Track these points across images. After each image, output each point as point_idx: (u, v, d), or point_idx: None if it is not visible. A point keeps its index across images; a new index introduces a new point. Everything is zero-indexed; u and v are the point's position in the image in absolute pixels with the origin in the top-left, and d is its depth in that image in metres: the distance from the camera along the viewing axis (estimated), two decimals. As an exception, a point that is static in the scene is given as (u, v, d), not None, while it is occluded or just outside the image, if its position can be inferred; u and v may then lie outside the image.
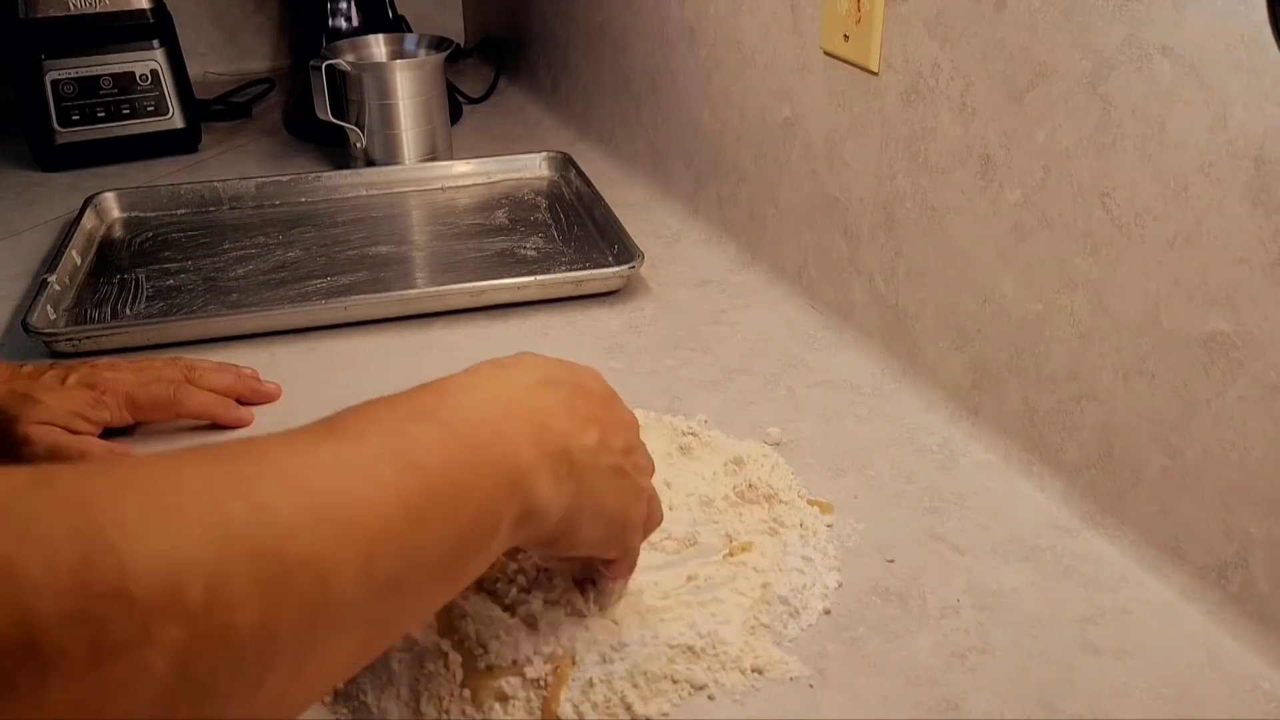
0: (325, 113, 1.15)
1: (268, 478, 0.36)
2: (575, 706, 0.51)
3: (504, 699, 0.51)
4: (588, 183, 1.10)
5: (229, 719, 0.33)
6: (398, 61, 1.19)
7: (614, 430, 0.49)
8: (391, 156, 1.19)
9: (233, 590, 0.32)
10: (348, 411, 0.42)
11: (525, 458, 0.44)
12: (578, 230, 1.05)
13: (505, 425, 0.44)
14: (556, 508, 0.45)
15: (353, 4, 1.38)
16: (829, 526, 0.64)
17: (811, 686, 0.54)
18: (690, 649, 0.54)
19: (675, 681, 0.53)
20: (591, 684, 0.52)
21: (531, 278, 0.91)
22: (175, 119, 1.25)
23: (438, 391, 0.46)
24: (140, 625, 0.30)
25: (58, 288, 0.90)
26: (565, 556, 0.53)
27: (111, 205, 1.08)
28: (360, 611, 0.36)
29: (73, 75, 1.20)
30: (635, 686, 0.52)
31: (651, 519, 0.54)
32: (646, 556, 0.59)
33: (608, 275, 0.93)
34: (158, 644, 0.30)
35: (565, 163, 1.16)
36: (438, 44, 1.23)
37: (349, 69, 1.16)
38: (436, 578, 0.40)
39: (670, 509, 0.64)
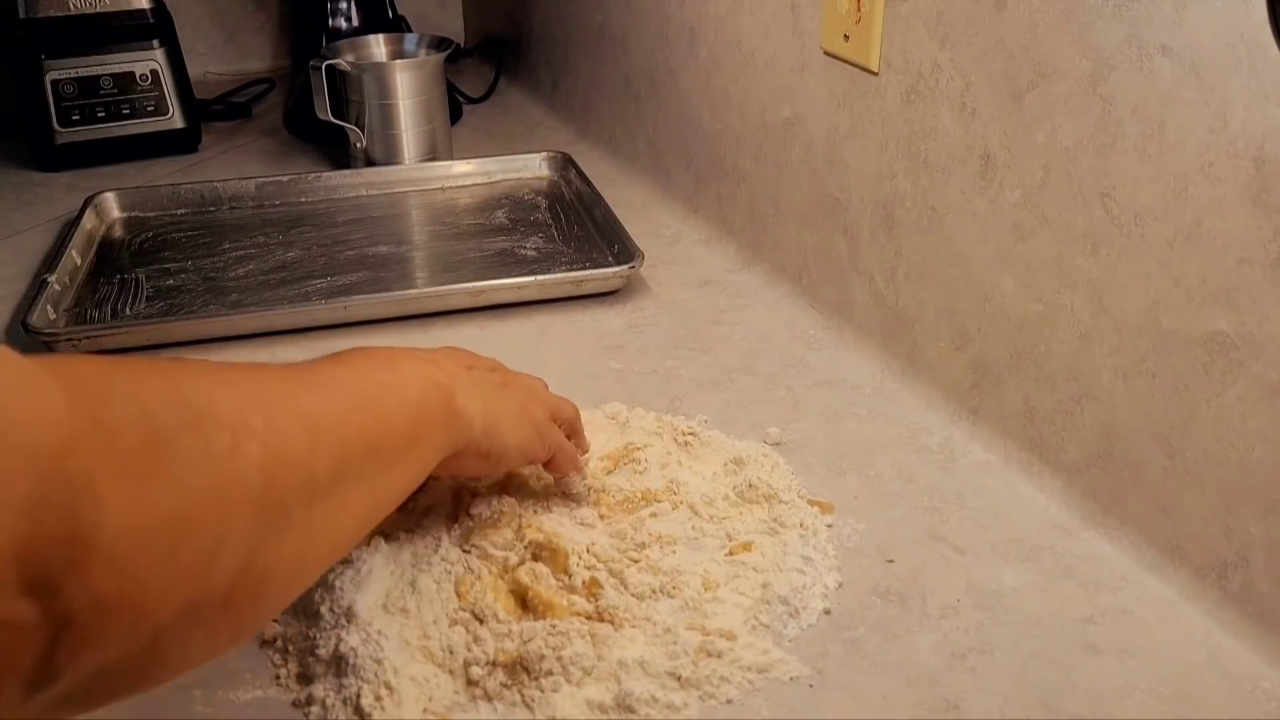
0: (325, 113, 1.15)
1: (273, 370, 0.49)
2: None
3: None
4: (588, 183, 1.10)
5: (290, 549, 0.42)
6: (398, 61, 1.19)
7: (484, 369, 0.62)
8: (391, 156, 1.19)
9: (283, 426, 0.42)
10: (345, 353, 0.55)
11: (434, 374, 0.55)
12: (578, 230, 1.05)
13: (406, 361, 0.56)
14: (475, 411, 0.56)
15: (353, 4, 1.38)
16: (829, 526, 0.64)
17: (811, 686, 0.54)
18: (689, 649, 0.54)
19: (678, 679, 0.53)
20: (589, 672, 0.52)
21: (531, 278, 0.91)
22: (175, 119, 1.25)
23: (389, 352, 0.58)
24: (230, 440, 0.39)
25: (58, 288, 0.90)
26: (503, 469, 0.63)
27: (111, 205, 1.08)
28: (363, 468, 0.47)
29: (73, 75, 1.20)
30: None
31: (560, 411, 0.64)
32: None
33: (608, 275, 0.93)
34: (246, 454, 0.39)
35: (565, 163, 1.16)
36: (438, 44, 1.23)
37: (349, 69, 1.16)
38: (404, 452, 0.51)
39: (674, 509, 0.64)
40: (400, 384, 0.53)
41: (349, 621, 0.54)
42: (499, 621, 0.55)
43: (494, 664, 0.53)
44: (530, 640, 0.53)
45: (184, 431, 0.38)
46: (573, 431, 0.66)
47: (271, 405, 0.43)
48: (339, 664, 0.53)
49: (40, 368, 0.35)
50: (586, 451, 0.68)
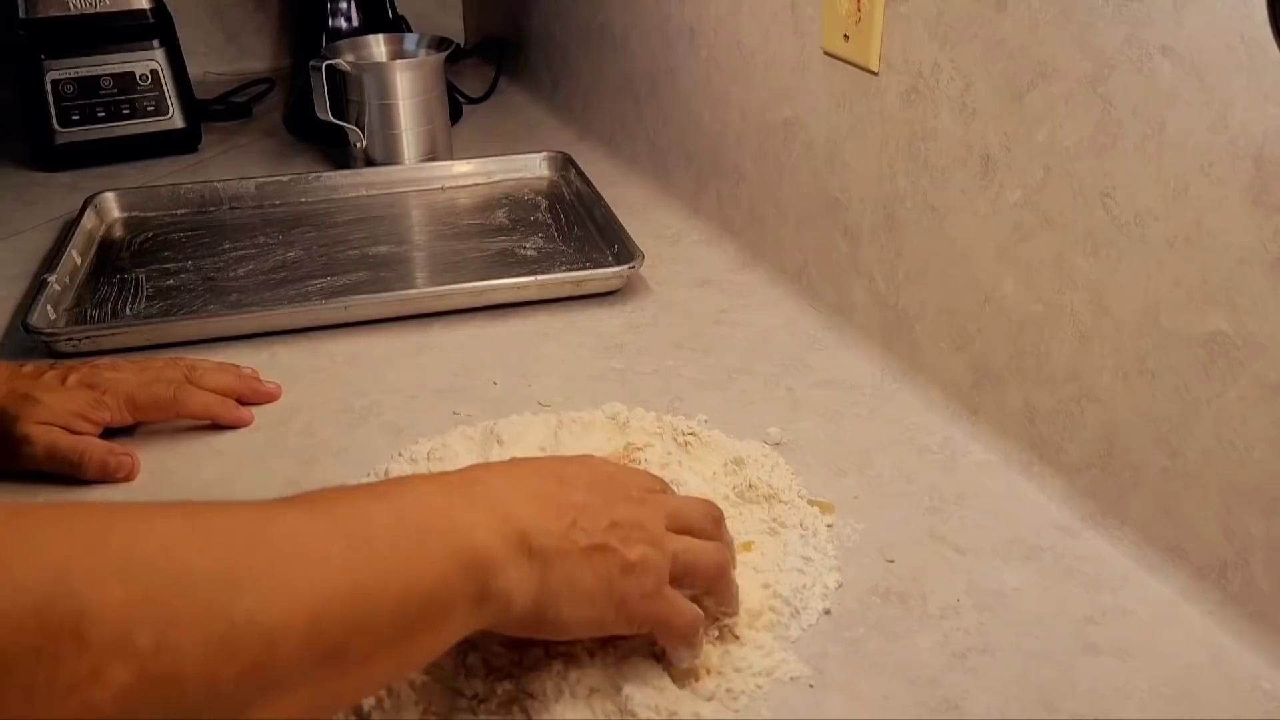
0: (325, 113, 1.15)
1: (229, 540, 0.39)
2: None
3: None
4: (588, 183, 1.10)
5: None
6: (398, 61, 1.19)
7: (593, 514, 0.49)
8: (391, 156, 1.19)
9: (180, 641, 0.34)
10: (316, 491, 0.45)
11: (481, 540, 0.45)
12: (578, 230, 1.05)
13: (461, 510, 0.46)
14: (522, 592, 0.46)
15: (353, 4, 1.38)
16: (829, 526, 0.64)
17: (812, 686, 0.54)
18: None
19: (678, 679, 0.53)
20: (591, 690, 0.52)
21: (531, 278, 0.91)
22: (175, 119, 1.25)
23: (402, 480, 0.49)
24: (91, 665, 0.32)
25: (58, 288, 0.90)
26: (562, 640, 0.52)
27: (111, 205, 1.08)
28: (303, 675, 0.38)
29: (73, 75, 1.20)
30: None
31: (698, 564, 0.52)
32: None
33: (608, 275, 0.93)
34: (106, 684, 0.32)
35: (565, 163, 1.16)
36: (438, 44, 1.23)
37: (349, 69, 1.16)
38: (384, 650, 0.42)
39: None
40: (419, 556, 0.43)
41: None
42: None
43: (493, 680, 0.52)
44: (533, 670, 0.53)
45: (26, 658, 0.31)
46: (712, 588, 0.54)
47: (180, 613, 0.35)
48: None
49: None
50: (732, 614, 0.55)
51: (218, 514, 0.40)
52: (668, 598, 0.50)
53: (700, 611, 0.52)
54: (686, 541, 0.52)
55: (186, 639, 0.35)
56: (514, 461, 0.52)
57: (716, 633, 0.55)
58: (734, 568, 0.56)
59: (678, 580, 0.51)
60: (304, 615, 0.38)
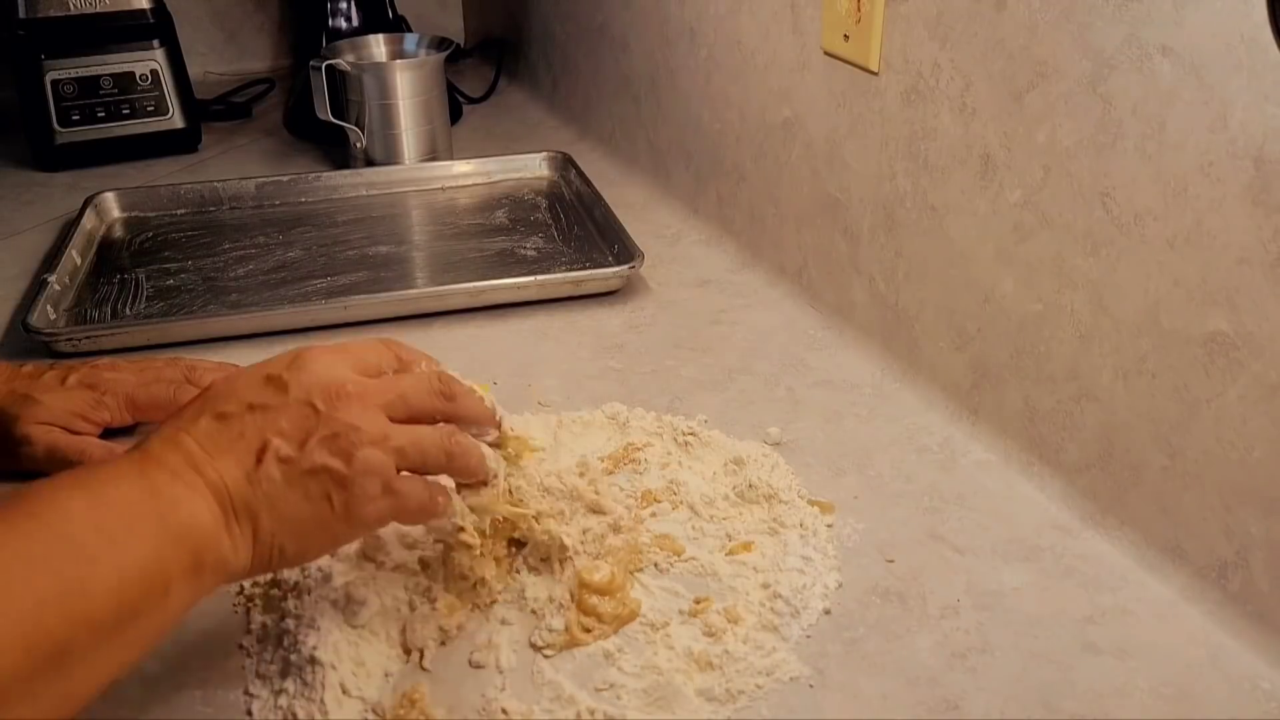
0: (325, 113, 1.15)
1: None
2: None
3: None
4: (588, 183, 1.10)
5: None
6: (398, 61, 1.19)
7: (300, 434, 0.47)
8: (391, 156, 1.19)
9: None
10: (19, 492, 0.43)
11: (186, 511, 0.44)
12: (578, 230, 1.05)
13: (163, 484, 0.44)
14: (238, 551, 0.46)
15: (353, 4, 1.38)
16: (829, 526, 0.64)
17: (811, 686, 0.54)
18: (690, 651, 0.54)
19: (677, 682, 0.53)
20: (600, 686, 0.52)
21: (531, 278, 0.91)
22: (175, 119, 1.25)
23: (103, 465, 0.47)
24: None
25: (58, 288, 0.90)
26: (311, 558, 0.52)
27: (111, 205, 1.08)
28: (27, 685, 0.38)
29: (73, 75, 1.20)
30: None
31: (413, 469, 0.51)
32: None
33: (608, 275, 0.93)
34: None
35: (565, 163, 1.16)
36: (438, 44, 1.23)
37: (349, 69, 1.16)
38: (108, 640, 0.41)
39: (674, 509, 0.64)
40: (128, 540, 0.42)
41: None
42: None
43: None
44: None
45: None
46: (447, 469, 0.53)
47: None
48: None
49: None
50: (483, 482, 0.55)
51: None
52: (397, 490, 0.49)
53: (436, 485, 0.51)
54: (411, 434, 0.50)
55: None
56: (213, 394, 0.49)
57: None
58: (495, 429, 0.55)
59: (413, 470, 0.50)
60: (18, 627, 0.37)
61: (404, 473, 0.50)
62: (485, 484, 0.55)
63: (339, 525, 0.48)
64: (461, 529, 0.55)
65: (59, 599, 0.39)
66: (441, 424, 0.52)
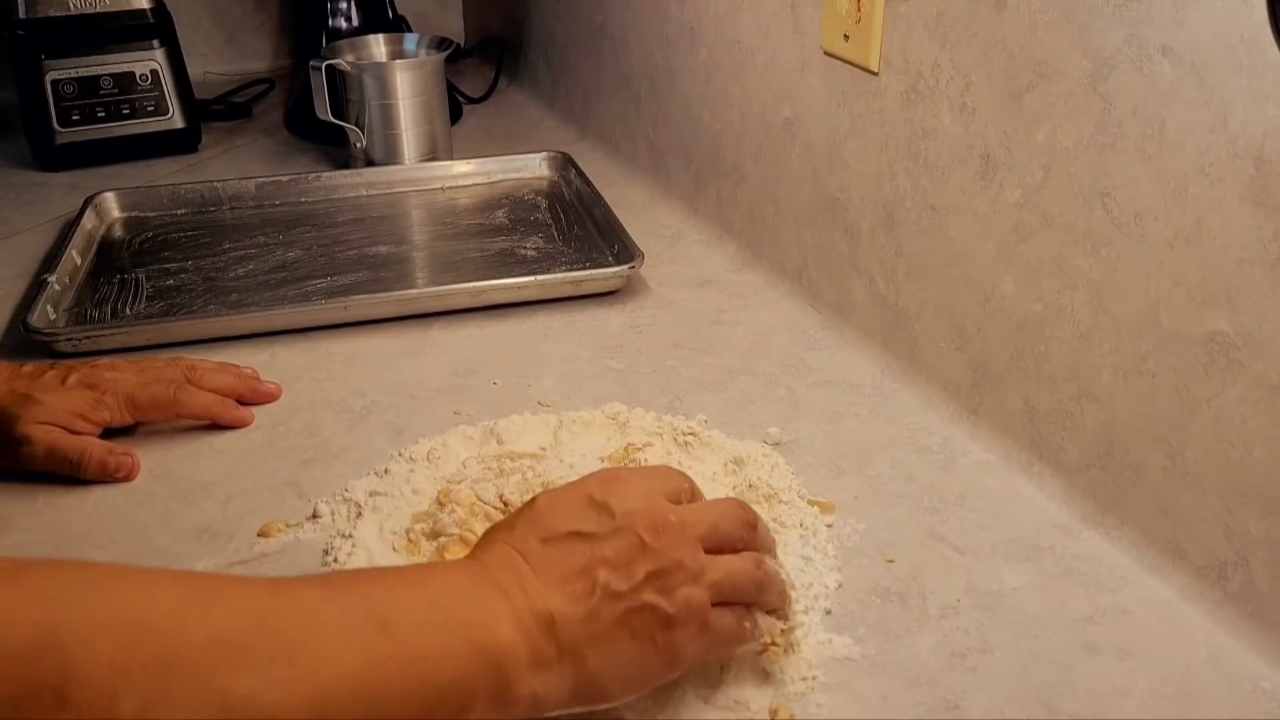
0: (325, 113, 1.15)
1: (235, 612, 0.36)
2: None
3: None
4: (588, 183, 1.10)
5: None
6: (398, 61, 1.19)
7: (627, 568, 0.46)
8: (391, 156, 1.19)
9: (167, 714, 0.33)
10: (346, 571, 0.43)
11: (506, 636, 0.43)
12: (578, 230, 1.05)
13: (488, 600, 0.44)
14: (553, 692, 0.44)
15: (353, 4, 1.38)
16: (829, 526, 0.64)
17: (811, 687, 0.54)
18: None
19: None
20: None
21: (531, 278, 0.91)
22: (175, 119, 1.25)
23: (432, 566, 0.47)
24: None
25: (58, 288, 0.90)
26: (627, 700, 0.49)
27: (111, 205, 1.08)
28: None
29: (73, 75, 1.20)
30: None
31: (731, 609, 0.49)
32: None
33: (608, 275, 0.93)
34: None
35: (565, 163, 1.16)
36: (438, 44, 1.23)
37: (349, 69, 1.16)
38: None
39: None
40: (440, 644, 0.41)
41: None
42: None
43: None
44: None
45: (2, 707, 0.31)
46: (756, 602, 0.51)
47: (171, 683, 0.33)
48: None
49: None
50: (785, 612, 0.53)
51: (227, 585, 0.38)
52: (711, 625, 0.48)
53: (742, 611, 0.50)
54: (725, 567, 0.49)
55: (173, 713, 0.33)
56: (538, 515, 0.48)
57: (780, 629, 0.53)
58: (775, 557, 0.53)
59: (722, 602, 0.49)
60: (307, 697, 0.36)
61: (717, 607, 0.48)
62: (786, 612, 0.53)
63: (658, 664, 0.47)
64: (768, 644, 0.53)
65: (357, 684, 0.38)
66: (748, 553, 0.51)
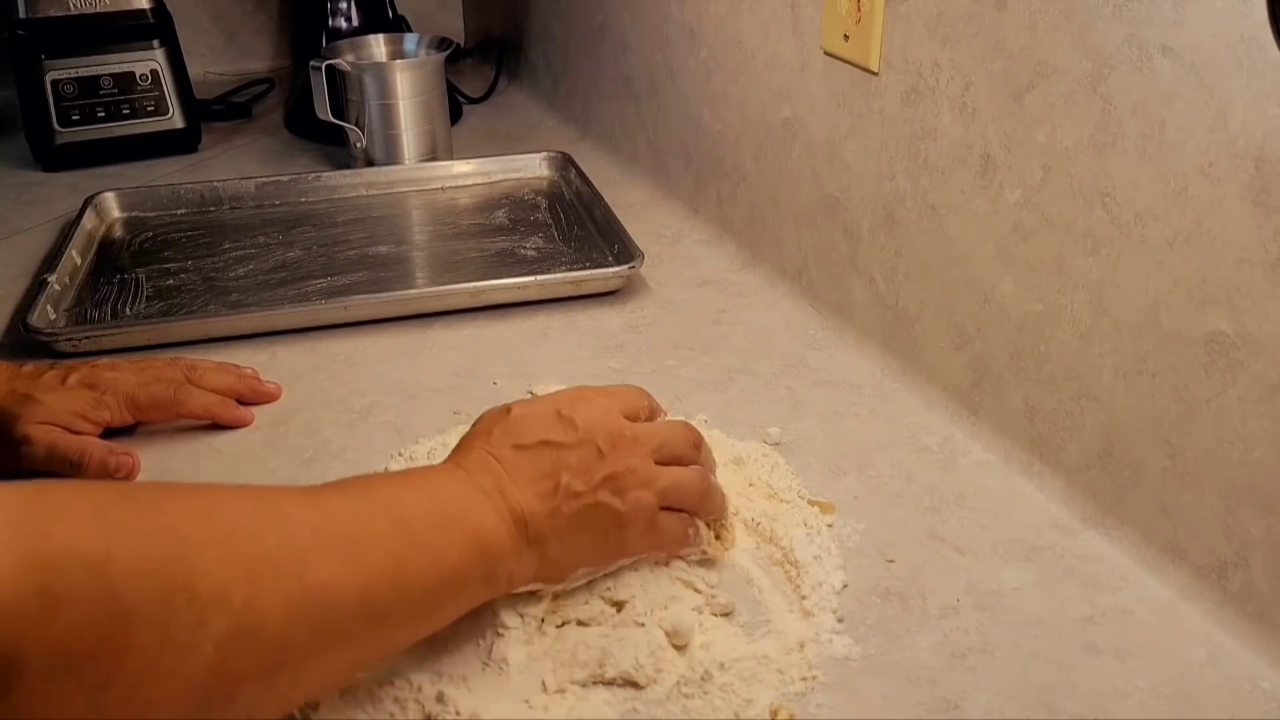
0: (325, 113, 1.15)
1: (295, 522, 0.46)
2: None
3: None
4: (588, 183, 1.10)
5: (242, 713, 0.42)
6: (398, 61, 1.19)
7: (586, 471, 0.54)
8: (391, 156, 1.19)
9: (264, 600, 0.41)
10: (356, 478, 0.53)
11: (489, 526, 0.51)
12: (578, 230, 1.05)
13: (475, 500, 0.52)
14: (524, 571, 0.53)
15: (353, 4, 1.38)
16: (829, 527, 0.64)
17: (811, 687, 0.54)
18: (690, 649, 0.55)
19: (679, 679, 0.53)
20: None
21: (531, 278, 0.91)
22: (175, 119, 1.25)
23: (425, 470, 0.57)
24: (198, 614, 0.39)
25: (58, 288, 0.90)
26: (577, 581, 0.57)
27: (111, 205, 1.08)
28: (354, 634, 0.46)
29: (73, 75, 1.20)
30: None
31: (683, 487, 0.57)
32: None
33: (608, 275, 0.93)
34: (209, 631, 0.39)
35: (565, 163, 1.16)
36: (438, 44, 1.23)
37: (349, 69, 1.16)
38: (415, 617, 0.49)
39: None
40: (444, 539, 0.50)
41: None
42: None
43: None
44: None
45: (145, 608, 0.38)
46: (698, 509, 0.59)
47: (265, 576, 0.42)
48: None
49: (15, 505, 0.37)
50: (721, 521, 0.61)
51: (281, 498, 0.47)
52: (659, 526, 0.56)
53: (687, 519, 0.58)
54: (673, 475, 0.57)
55: (269, 599, 0.42)
56: (512, 424, 0.56)
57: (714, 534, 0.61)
58: (714, 473, 0.61)
59: (667, 507, 0.57)
60: (356, 583, 0.45)
61: (664, 511, 0.57)
62: (722, 521, 0.62)
63: (608, 553, 0.56)
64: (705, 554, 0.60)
65: (389, 575, 0.47)
66: (695, 467, 0.59)
